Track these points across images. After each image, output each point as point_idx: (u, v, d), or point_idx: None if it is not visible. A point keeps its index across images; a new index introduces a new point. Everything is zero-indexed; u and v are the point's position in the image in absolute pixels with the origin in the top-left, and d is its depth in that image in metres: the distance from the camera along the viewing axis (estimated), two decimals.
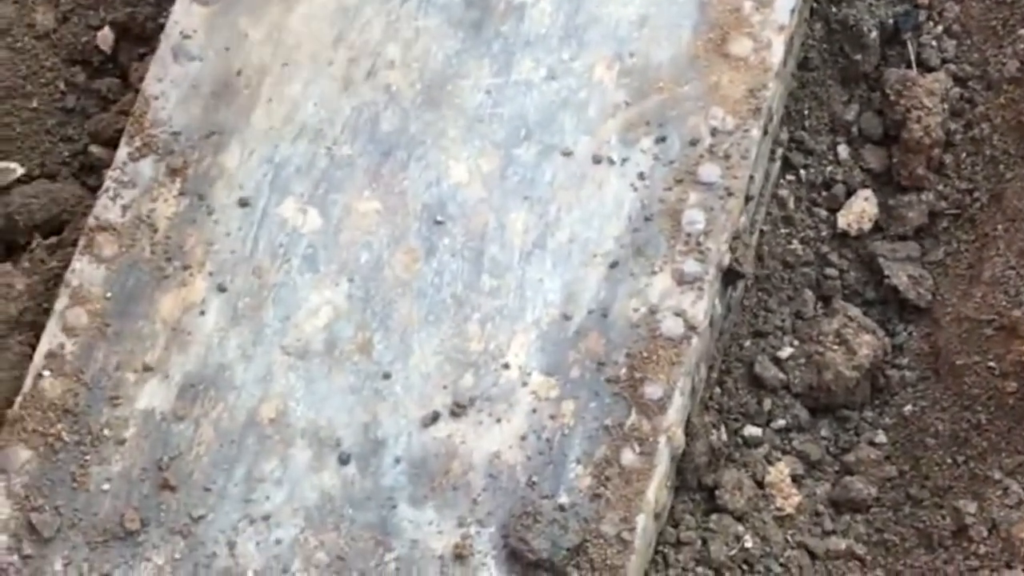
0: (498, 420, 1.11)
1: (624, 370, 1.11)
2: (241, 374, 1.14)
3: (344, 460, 1.11)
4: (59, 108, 1.37)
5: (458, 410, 1.11)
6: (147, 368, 1.14)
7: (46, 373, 1.15)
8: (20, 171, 1.34)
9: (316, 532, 1.10)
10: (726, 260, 1.14)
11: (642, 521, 1.08)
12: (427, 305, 1.14)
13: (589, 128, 1.17)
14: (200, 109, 1.20)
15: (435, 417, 1.11)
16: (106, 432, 1.13)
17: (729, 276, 1.16)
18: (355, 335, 1.14)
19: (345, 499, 1.10)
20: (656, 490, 1.09)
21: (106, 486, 1.12)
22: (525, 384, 1.12)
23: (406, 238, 1.16)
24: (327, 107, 1.20)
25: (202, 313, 1.15)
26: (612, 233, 1.14)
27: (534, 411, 1.11)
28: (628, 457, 1.09)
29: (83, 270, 1.17)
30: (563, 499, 1.08)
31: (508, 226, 1.16)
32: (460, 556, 1.08)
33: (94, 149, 1.35)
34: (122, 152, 1.20)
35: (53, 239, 1.29)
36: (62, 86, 1.37)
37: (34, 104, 1.36)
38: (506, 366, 1.12)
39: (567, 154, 1.16)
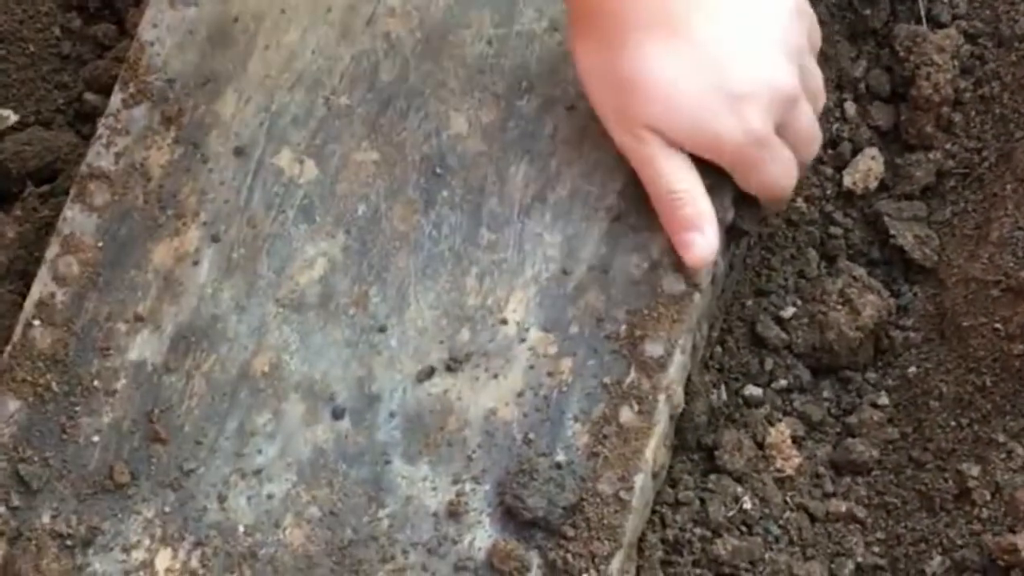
0: (495, 376, 1.08)
1: (624, 327, 1.08)
2: (234, 326, 1.12)
3: (338, 414, 1.09)
4: (54, 54, 1.35)
5: (454, 365, 1.09)
6: (139, 318, 1.12)
7: (36, 323, 1.13)
8: (14, 118, 1.32)
9: (308, 487, 1.08)
10: (730, 216, 1.11)
11: (640, 480, 1.06)
12: (424, 258, 1.12)
13: None
14: (196, 56, 1.18)
15: (431, 372, 1.09)
16: (96, 383, 1.11)
17: (733, 233, 1.13)
18: (351, 288, 1.12)
19: (338, 454, 1.08)
20: (655, 449, 1.07)
21: (96, 438, 1.10)
22: (523, 340, 1.09)
23: (404, 190, 1.13)
24: (325, 55, 1.17)
25: (195, 263, 1.13)
26: (614, 188, 1.12)
27: (532, 367, 1.08)
28: (627, 415, 1.07)
29: (75, 218, 1.15)
30: (560, 457, 1.06)
31: (508, 179, 1.13)
32: (454, 513, 1.06)
33: (89, 96, 1.32)
34: (116, 99, 1.18)
35: (46, 187, 1.27)
36: (58, 32, 1.36)
37: (30, 50, 1.35)
38: (504, 321, 1.10)
39: (570, 107, 1.14)
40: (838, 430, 1.19)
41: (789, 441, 1.17)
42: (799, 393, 1.20)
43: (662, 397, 1.07)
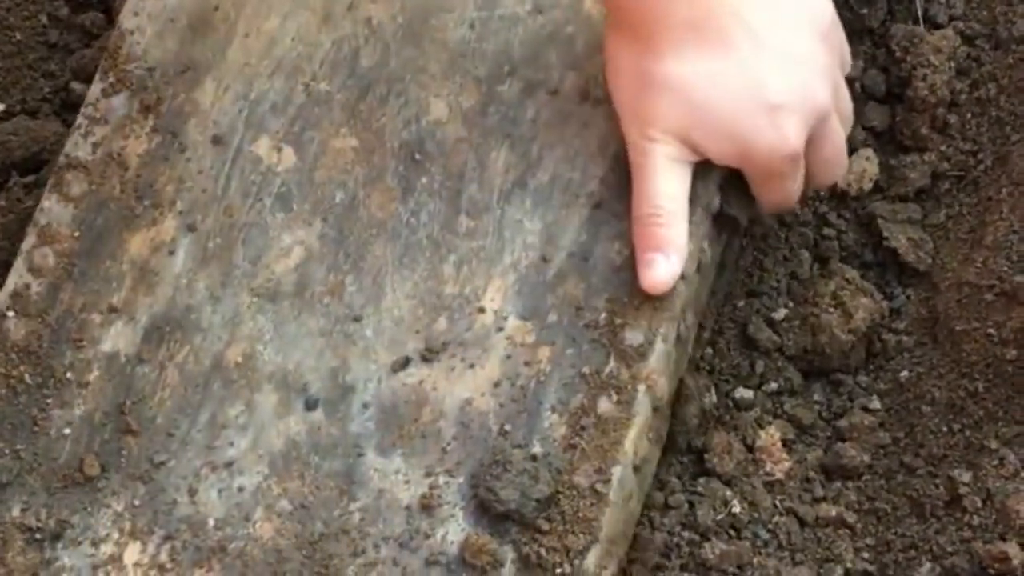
0: (471, 366, 1.06)
1: (603, 315, 1.06)
2: (208, 316, 1.10)
3: (311, 405, 1.07)
4: (41, 43, 1.34)
5: (430, 355, 1.07)
6: (113, 309, 1.11)
7: (10, 314, 1.12)
8: (0, 107, 1.31)
9: (280, 480, 1.06)
10: (715, 203, 1.09)
11: (618, 472, 1.03)
12: (402, 246, 1.10)
13: (576, 63, 1.12)
14: (176, 44, 1.17)
15: (406, 362, 1.07)
16: (69, 375, 1.10)
17: (721, 220, 1.11)
18: (327, 277, 1.10)
19: (311, 446, 1.06)
20: (635, 440, 1.05)
21: (67, 430, 1.09)
22: (500, 329, 1.07)
23: (383, 177, 1.12)
24: (306, 42, 1.16)
25: (171, 253, 1.12)
26: (596, 173, 1.10)
27: (509, 357, 1.06)
28: (605, 406, 1.05)
29: (51, 209, 1.14)
30: (536, 449, 1.04)
31: (488, 165, 1.11)
32: (427, 506, 1.04)
33: (76, 86, 1.31)
34: (95, 88, 1.17)
35: (31, 177, 1.26)
36: (45, 20, 1.34)
37: (17, 38, 1.33)
38: (481, 310, 1.08)
39: (552, 92, 1.12)
40: (829, 434, 1.18)
41: (779, 444, 1.16)
42: (790, 396, 1.19)
43: (642, 387, 1.05)
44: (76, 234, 1.13)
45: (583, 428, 1.04)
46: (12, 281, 1.13)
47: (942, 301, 1.18)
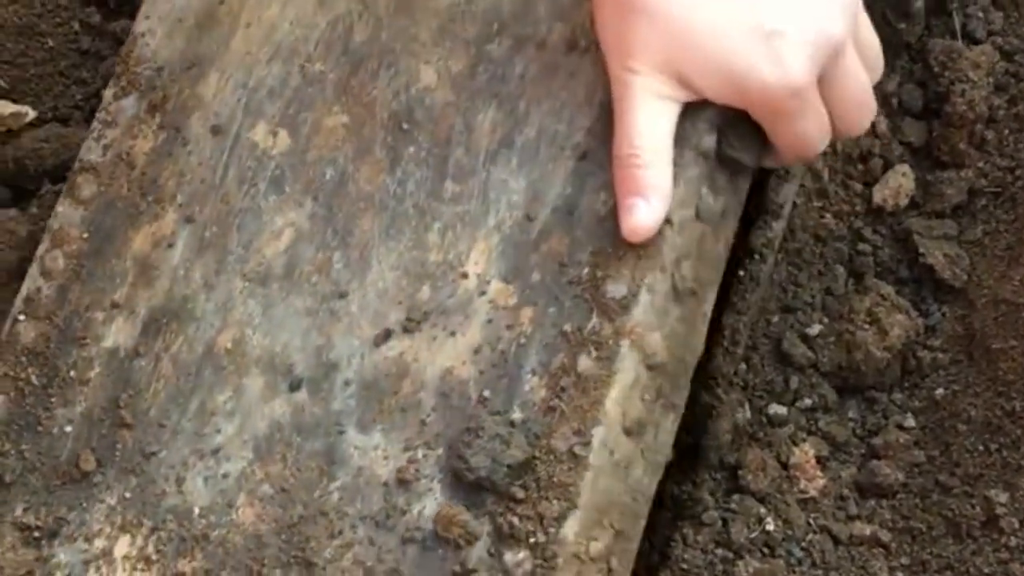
0: (452, 333, 1.02)
1: (587, 270, 1.00)
2: (203, 305, 1.08)
3: (295, 386, 1.04)
4: (73, 49, 1.33)
5: (411, 325, 1.03)
6: (115, 306, 1.10)
7: (21, 318, 1.12)
8: (32, 115, 1.30)
9: (263, 464, 1.03)
10: (707, 142, 1.02)
11: (600, 434, 0.97)
12: (389, 218, 1.06)
13: (564, 14, 1.07)
14: (183, 42, 1.16)
15: (388, 335, 1.03)
16: (72, 373, 1.09)
17: (726, 164, 1.03)
18: (315, 255, 1.07)
19: (294, 427, 1.03)
20: (620, 400, 0.98)
21: (68, 428, 1.08)
22: (483, 293, 1.02)
23: (372, 150, 1.09)
24: (302, 24, 1.14)
25: (170, 246, 1.11)
26: (582, 124, 1.04)
27: (490, 321, 1.01)
28: (585, 364, 0.98)
29: (64, 212, 1.14)
30: (516, 415, 0.98)
31: (475, 127, 1.07)
32: (404, 481, 0.99)
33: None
34: (108, 92, 1.17)
35: (62, 185, 1.26)
36: (77, 27, 1.34)
37: (49, 44, 1.33)
38: (464, 275, 1.03)
39: (540, 45, 1.08)
40: (863, 451, 1.17)
41: (813, 462, 1.15)
42: (824, 413, 1.18)
43: (625, 342, 0.98)
44: (85, 235, 1.13)
45: (563, 389, 0.98)
46: (26, 286, 1.13)
47: (978, 318, 1.17)
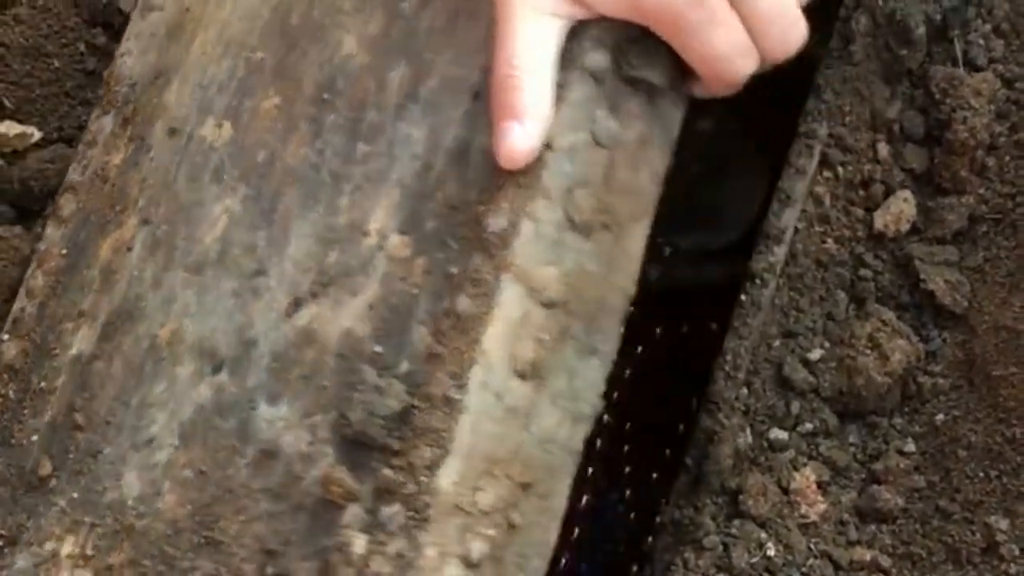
0: (354, 294, 0.99)
1: (475, 208, 0.96)
2: (150, 302, 1.08)
3: (217, 368, 1.03)
4: (79, 70, 1.34)
5: (319, 291, 1.01)
6: (81, 314, 1.11)
7: (6, 337, 1.14)
8: (38, 135, 1.31)
9: (186, 449, 1.02)
10: (593, 61, 0.97)
11: (478, 376, 0.92)
12: (307, 189, 1.05)
13: None
14: (155, 55, 1.17)
15: (298, 304, 1.01)
16: (43, 384, 1.10)
17: (635, 86, 0.97)
18: (244, 238, 1.06)
19: (215, 409, 1.02)
20: (503, 339, 0.93)
21: (35, 437, 1.09)
22: (381, 248, 0.99)
23: (297, 125, 1.07)
24: (249, 18, 1.14)
25: (129, 250, 1.11)
26: (479, 64, 1.01)
27: (387, 275, 0.98)
28: (463, 304, 0.94)
29: (48, 234, 1.16)
30: (403, 367, 0.94)
31: (387, 86, 1.04)
32: (302, 451, 0.97)
33: None
34: (92, 115, 1.18)
35: None
36: (83, 48, 1.34)
37: (55, 65, 1.34)
38: (366, 234, 1.01)
39: None
40: (863, 476, 1.17)
41: (814, 486, 1.15)
42: (825, 437, 1.18)
43: (506, 276, 0.93)
44: (64, 252, 1.14)
45: (443, 333, 0.94)
46: (14, 308, 1.14)
47: (979, 345, 1.18)
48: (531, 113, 0.92)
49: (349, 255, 1.01)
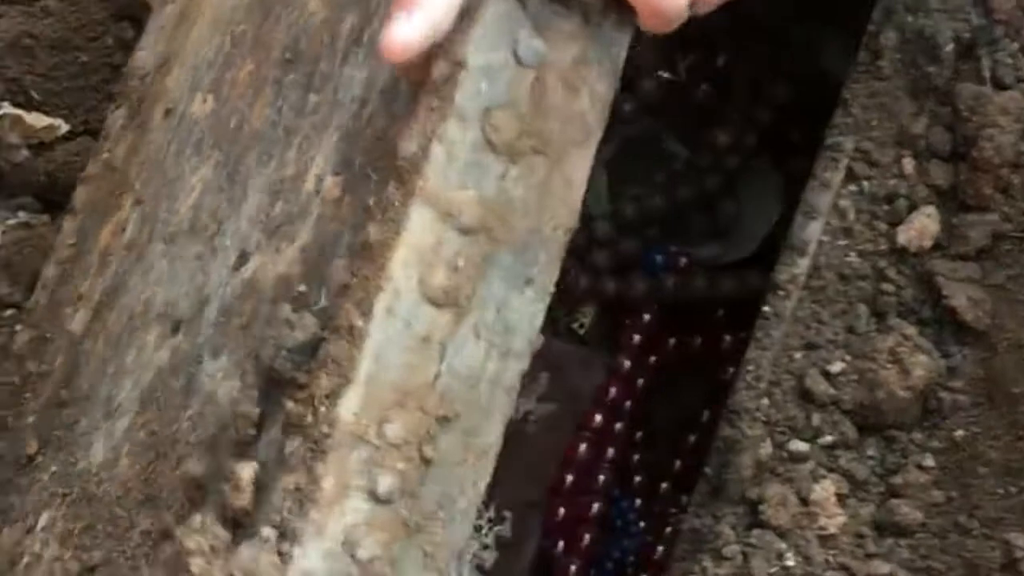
0: (292, 240, 0.97)
1: (393, 138, 0.92)
2: (133, 277, 1.09)
3: (175, 329, 1.02)
4: (106, 64, 1.35)
5: (264, 242, 0.99)
6: (80, 298, 1.12)
7: (19, 327, 1.14)
8: (65, 128, 1.32)
9: (143, 412, 1.01)
10: None
11: (384, 302, 0.87)
12: (265, 147, 1.03)
13: None
14: (163, 44, 1.19)
15: (244, 258, 1.00)
16: (42, 367, 1.11)
17: (567, 4, 0.93)
18: (211, 203, 1.05)
19: (170, 370, 1.00)
20: (411, 264, 0.88)
21: (30, 419, 1.10)
22: (318, 192, 0.97)
23: (263, 89, 1.06)
24: None
25: (123, 230, 1.12)
26: None
27: (320, 218, 0.96)
28: (373, 232, 0.89)
29: (64, 226, 1.17)
30: (322, 302, 0.91)
31: (339, 36, 1.03)
32: (234, 399, 0.93)
33: None
34: (110, 108, 1.19)
35: None
36: (110, 41, 1.35)
37: (83, 59, 1.34)
38: (307, 180, 0.99)
39: None
40: (882, 490, 1.18)
41: (834, 499, 1.16)
42: (844, 450, 1.19)
43: (415, 201, 0.89)
44: (72, 242, 1.15)
45: (356, 264, 0.90)
46: (31, 299, 1.15)
47: (1000, 362, 1.18)
48: (422, 8, 0.87)
49: (291, 204, 0.99)
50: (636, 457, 1.54)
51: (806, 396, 1.19)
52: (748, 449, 1.15)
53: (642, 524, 1.47)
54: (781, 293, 1.20)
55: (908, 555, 1.15)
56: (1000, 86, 1.25)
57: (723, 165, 1.49)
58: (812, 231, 1.22)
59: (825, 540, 1.14)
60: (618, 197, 1.58)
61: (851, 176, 1.24)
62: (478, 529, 1.46)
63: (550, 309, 0.95)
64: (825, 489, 1.16)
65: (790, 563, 1.13)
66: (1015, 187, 1.23)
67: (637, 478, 1.52)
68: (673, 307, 1.53)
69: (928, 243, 1.23)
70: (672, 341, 1.55)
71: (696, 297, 1.53)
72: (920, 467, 1.18)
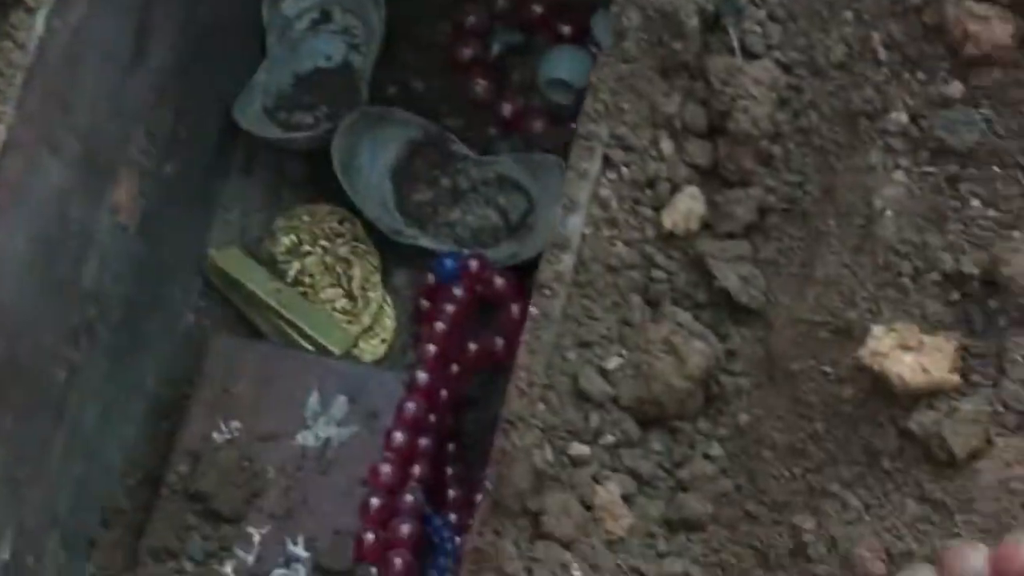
0: None
1: None
2: None
3: None
4: None
5: None
6: None
7: None
8: None
9: None
10: None
11: None
12: None
13: None
14: None
15: None
16: None
17: None
18: None
19: None
20: None
21: None
22: None
23: None
24: None
25: None
26: None
27: None
28: None
29: None
30: None
31: None
32: None
33: None
34: None
35: None
36: None
37: None
38: None
39: None
40: (671, 484, 1.14)
41: (619, 500, 1.12)
42: (628, 448, 1.15)
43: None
44: None
45: None
46: None
47: (776, 340, 1.15)
48: None
49: None
50: (449, 471, 1.50)
51: (583, 396, 1.15)
52: (524, 459, 1.10)
53: (458, 540, 1.43)
54: (547, 292, 1.16)
55: (700, 550, 1.11)
56: (751, 55, 1.21)
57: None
58: (574, 225, 1.18)
59: (613, 545, 1.11)
60: (405, 201, 1.57)
61: (608, 163, 1.20)
62: (291, 561, 1.43)
63: None
64: (609, 491, 1.12)
65: (577, 573, 1.09)
66: (777, 158, 1.19)
67: (451, 492, 1.49)
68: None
69: (695, 225, 1.19)
70: (473, 347, 1.51)
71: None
72: (707, 457, 1.14)
